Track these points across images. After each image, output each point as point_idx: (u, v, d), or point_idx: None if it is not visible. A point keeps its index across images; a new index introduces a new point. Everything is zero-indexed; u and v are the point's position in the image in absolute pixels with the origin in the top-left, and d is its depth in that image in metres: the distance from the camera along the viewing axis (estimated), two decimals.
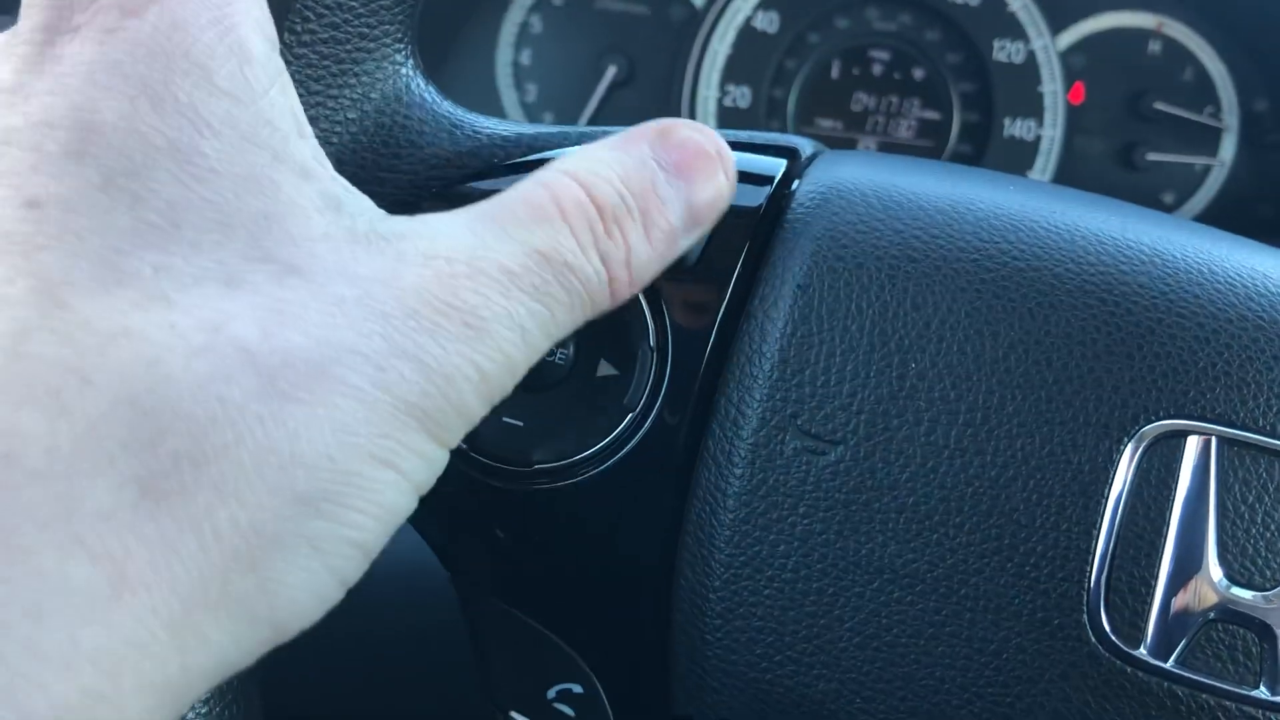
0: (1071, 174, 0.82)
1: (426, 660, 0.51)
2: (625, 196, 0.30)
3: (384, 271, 0.26)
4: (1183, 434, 0.30)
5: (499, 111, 0.85)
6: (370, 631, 0.49)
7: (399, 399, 0.25)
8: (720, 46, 0.82)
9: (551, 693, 0.37)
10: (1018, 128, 0.81)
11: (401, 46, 0.36)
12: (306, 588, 0.24)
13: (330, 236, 0.26)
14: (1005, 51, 0.81)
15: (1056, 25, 0.81)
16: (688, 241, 0.33)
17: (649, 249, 0.31)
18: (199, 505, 0.23)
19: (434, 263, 0.27)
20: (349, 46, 0.34)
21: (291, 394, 0.24)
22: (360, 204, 0.28)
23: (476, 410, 0.27)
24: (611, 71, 0.83)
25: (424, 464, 0.26)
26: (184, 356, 0.23)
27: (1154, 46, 0.82)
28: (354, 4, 0.34)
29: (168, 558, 0.22)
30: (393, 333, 0.25)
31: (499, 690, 0.38)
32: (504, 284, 0.27)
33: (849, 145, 0.83)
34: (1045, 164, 0.81)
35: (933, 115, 0.82)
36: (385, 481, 0.25)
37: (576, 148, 0.31)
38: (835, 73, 0.83)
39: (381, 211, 0.29)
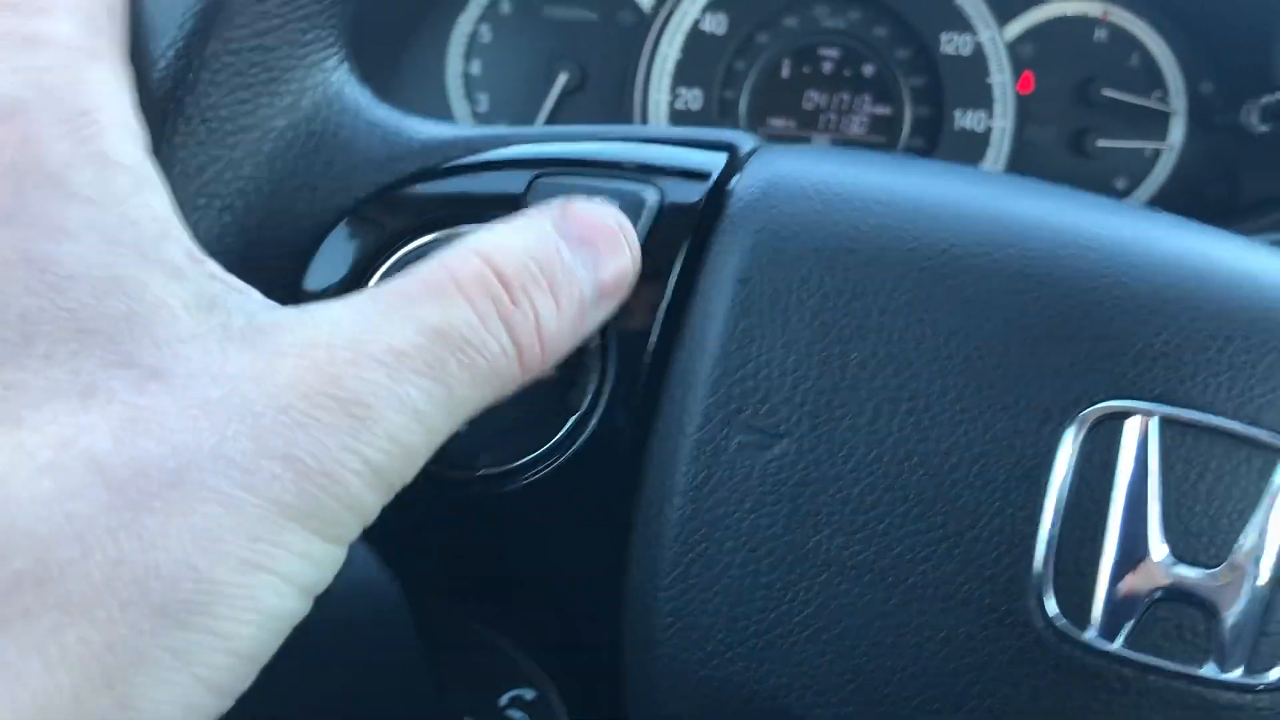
0: (1024, 163, 0.82)
1: (378, 669, 0.51)
2: (531, 266, 0.29)
3: (256, 368, 0.25)
4: (1124, 415, 0.31)
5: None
6: (320, 639, 0.48)
7: (270, 500, 0.24)
8: (669, 50, 0.82)
9: (504, 699, 0.37)
10: (968, 119, 0.81)
11: (333, 52, 0.35)
12: (173, 701, 0.23)
13: (199, 336, 0.26)
14: (953, 44, 0.81)
15: (1003, 16, 0.81)
16: (597, 315, 0.32)
17: (559, 318, 0.30)
18: (43, 625, 0.22)
19: (312, 352, 0.26)
20: (278, 54, 0.34)
21: (145, 504, 0.23)
22: (239, 300, 0.27)
23: (371, 503, 0.26)
24: (563, 78, 0.83)
25: (309, 565, 0.25)
26: (29, 474, 0.23)
27: (1100, 34, 0.83)
28: (283, 11, 0.34)
29: (8, 682, 0.21)
30: (262, 432, 0.24)
31: (451, 698, 0.38)
32: (392, 366, 0.26)
33: (802, 143, 0.83)
34: (997, 154, 0.81)
35: (884, 110, 0.82)
36: (260, 586, 0.24)
37: (480, 226, 0.31)
38: (786, 72, 0.83)
39: (265, 304, 0.28)
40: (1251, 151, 0.81)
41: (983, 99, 0.81)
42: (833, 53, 0.82)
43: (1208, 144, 0.82)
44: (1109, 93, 0.82)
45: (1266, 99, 0.78)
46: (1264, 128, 0.79)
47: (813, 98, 0.83)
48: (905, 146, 0.82)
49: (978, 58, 0.81)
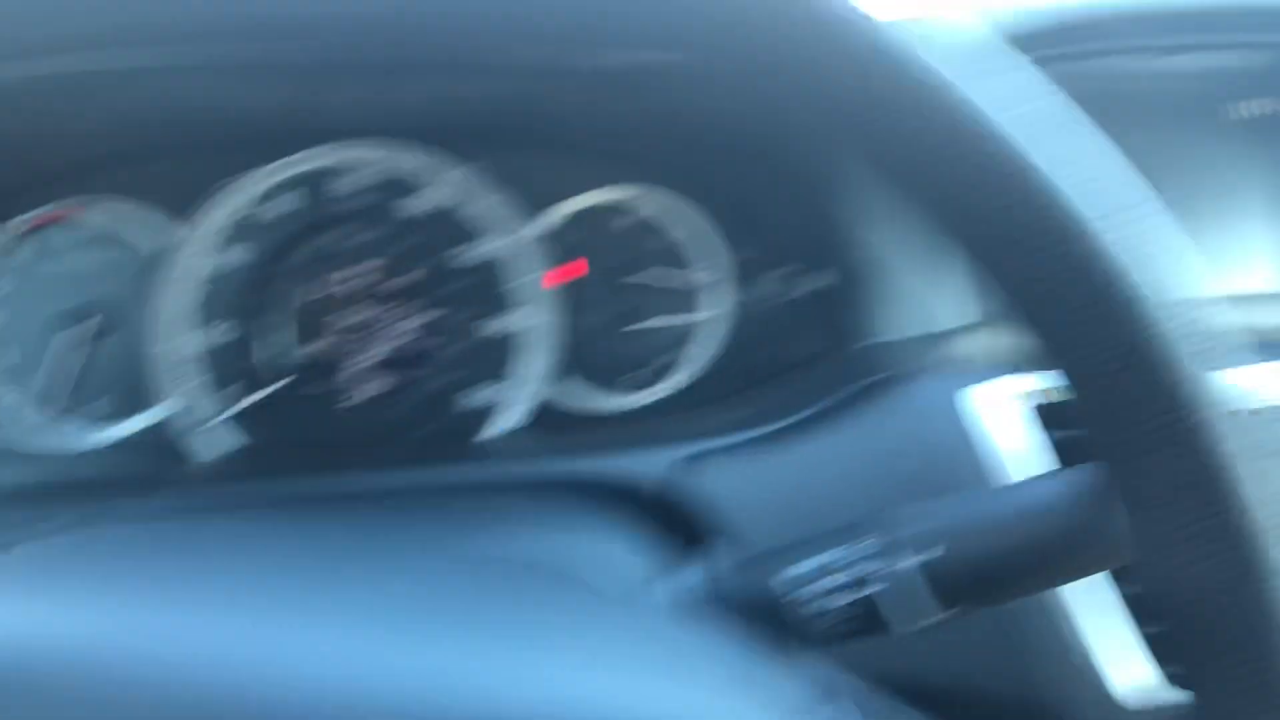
0: (574, 352, 0.82)
1: None
2: None
3: None
4: None
5: None
6: None
7: None
8: (191, 286, 0.79)
9: None
10: (503, 321, 0.81)
11: None
12: None
13: None
14: (476, 252, 0.80)
15: (534, 209, 0.81)
16: None
17: None
18: None
19: None
20: None
21: None
22: None
23: None
24: (90, 323, 0.79)
25: None
26: None
27: (637, 216, 0.84)
28: None
29: None
30: None
31: None
32: None
33: (346, 359, 0.80)
34: (541, 349, 0.81)
35: (423, 320, 0.81)
36: None
37: None
38: (318, 294, 0.81)
39: None
40: (794, 312, 0.82)
41: (512, 300, 0.81)
42: (363, 270, 0.81)
43: (753, 310, 0.84)
44: (650, 273, 0.82)
45: (791, 267, 0.80)
46: (795, 293, 0.81)
47: (349, 315, 0.81)
48: (455, 352, 0.81)
49: (502, 260, 0.81)
